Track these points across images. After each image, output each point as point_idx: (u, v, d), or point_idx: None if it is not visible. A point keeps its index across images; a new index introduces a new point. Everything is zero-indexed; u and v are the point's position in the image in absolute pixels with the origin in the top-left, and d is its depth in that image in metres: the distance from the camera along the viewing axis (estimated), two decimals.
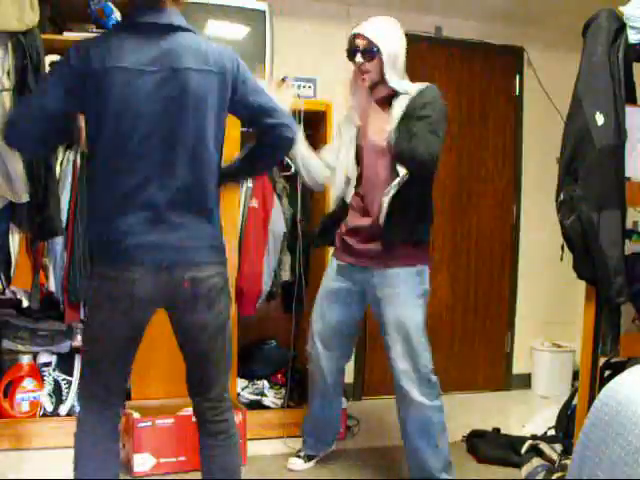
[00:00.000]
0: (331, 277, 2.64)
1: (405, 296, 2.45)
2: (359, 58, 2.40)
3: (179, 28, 1.76)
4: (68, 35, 2.94)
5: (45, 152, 2.28)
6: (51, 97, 1.71)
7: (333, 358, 2.67)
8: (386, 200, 2.38)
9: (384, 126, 2.39)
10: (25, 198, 2.54)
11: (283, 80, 2.95)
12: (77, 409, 2.88)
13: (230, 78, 1.80)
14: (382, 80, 2.41)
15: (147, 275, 1.72)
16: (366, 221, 2.48)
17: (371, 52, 2.38)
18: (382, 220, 2.40)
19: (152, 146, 1.72)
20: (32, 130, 1.73)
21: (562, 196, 2.42)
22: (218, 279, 1.82)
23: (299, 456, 2.83)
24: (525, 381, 4.18)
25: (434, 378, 2.45)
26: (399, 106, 2.39)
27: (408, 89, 2.41)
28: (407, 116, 2.35)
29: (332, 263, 2.66)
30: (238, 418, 2.75)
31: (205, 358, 1.88)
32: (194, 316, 1.81)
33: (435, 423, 2.45)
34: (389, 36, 2.40)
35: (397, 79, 2.41)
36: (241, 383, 3.23)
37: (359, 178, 2.54)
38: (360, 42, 2.40)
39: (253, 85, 1.87)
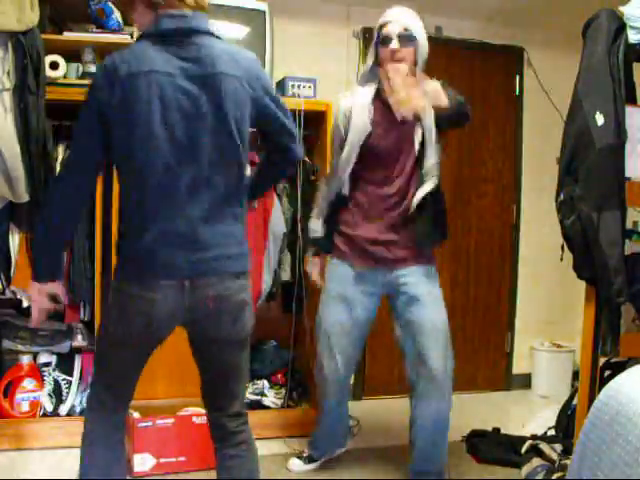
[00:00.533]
0: (342, 281, 2.54)
1: (435, 297, 2.47)
2: (394, 44, 2.33)
3: (206, 33, 1.70)
4: (68, 35, 2.94)
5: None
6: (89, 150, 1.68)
7: (348, 357, 2.60)
8: (417, 199, 2.40)
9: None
10: (25, 198, 2.54)
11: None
12: (77, 409, 2.92)
13: (258, 85, 1.75)
14: (411, 71, 2.35)
15: (171, 293, 1.67)
16: (388, 223, 2.45)
17: (409, 37, 2.34)
18: (414, 221, 2.41)
19: (185, 157, 1.66)
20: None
21: (562, 196, 2.42)
22: (244, 294, 1.78)
23: (300, 457, 2.82)
24: (525, 381, 4.18)
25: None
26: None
27: None
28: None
29: (338, 267, 2.55)
30: None
31: (227, 374, 1.83)
32: (218, 332, 1.77)
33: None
34: (420, 26, 2.39)
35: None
36: None
37: (366, 176, 2.49)
38: (395, 28, 2.34)
39: (276, 97, 1.83)
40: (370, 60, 2.48)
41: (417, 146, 2.41)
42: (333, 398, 2.69)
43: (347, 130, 2.47)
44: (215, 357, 1.81)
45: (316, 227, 2.63)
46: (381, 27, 2.39)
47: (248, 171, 1.89)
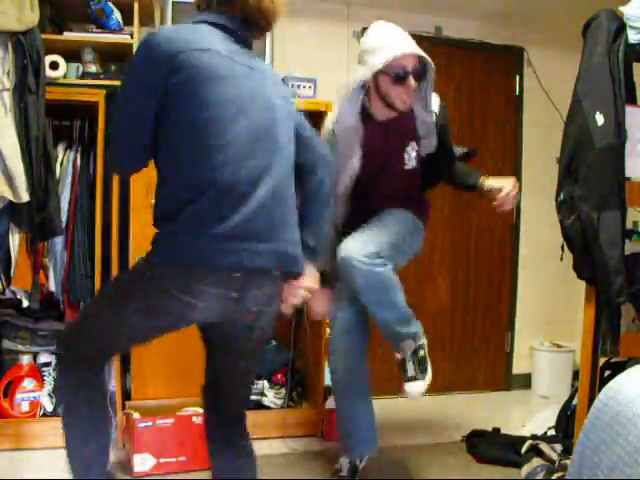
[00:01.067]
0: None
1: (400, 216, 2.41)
2: (412, 81, 2.21)
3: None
4: (68, 35, 2.94)
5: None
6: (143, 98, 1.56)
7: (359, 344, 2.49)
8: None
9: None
10: (25, 198, 2.54)
11: None
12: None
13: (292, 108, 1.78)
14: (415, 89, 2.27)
15: (212, 304, 1.61)
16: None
17: (422, 71, 2.23)
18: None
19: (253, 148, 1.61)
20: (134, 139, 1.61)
21: (562, 196, 2.42)
22: (278, 305, 1.76)
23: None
24: (525, 381, 4.18)
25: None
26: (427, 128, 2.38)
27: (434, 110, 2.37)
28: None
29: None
30: None
31: (240, 376, 1.81)
32: (243, 338, 1.73)
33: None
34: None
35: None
36: None
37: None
38: (410, 62, 2.20)
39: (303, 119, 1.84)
40: (361, 80, 2.29)
41: (411, 162, 2.42)
42: (362, 399, 2.53)
43: (337, 149, 2.34)
44: (230, 360, 1.77)
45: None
46: (394, 61, 2.18)
47: None
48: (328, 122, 2.48)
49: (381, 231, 2.29)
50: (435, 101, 2.39)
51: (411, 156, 2.42)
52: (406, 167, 2.42)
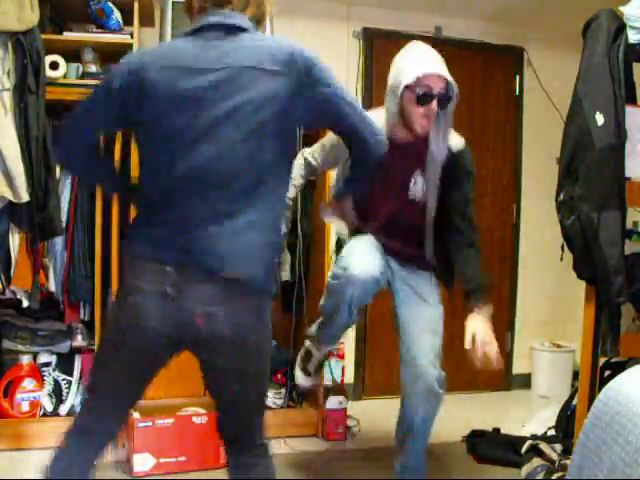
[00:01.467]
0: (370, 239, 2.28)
1: (433, 296, 2.34)
2: (434, 104, 2.09)
3: (243, 29, 1.61)
4: (68, 35, 2.94)
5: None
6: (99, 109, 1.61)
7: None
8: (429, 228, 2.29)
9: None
10: (25, 198, 2.54)
11: None
12: (77, 409, 2.91)
13: (301, 80, 1.62)
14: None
15: (152, 303, 1.56)
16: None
17: (448, 99, 2.11)
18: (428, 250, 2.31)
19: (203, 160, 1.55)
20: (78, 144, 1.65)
21: (562, 196, 2.42)
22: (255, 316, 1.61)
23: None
24: (525, 381, 4.18)
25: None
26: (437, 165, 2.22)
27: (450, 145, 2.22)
28: (446, 177, 2.22)
29: (360, 236, 2.30)
30: None
31: (238, 406, 1.68)
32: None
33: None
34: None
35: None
36: None
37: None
38: (438, 85, 2.09)
39: (332, 91, 1.66)
40: (393, 107, 2.16)
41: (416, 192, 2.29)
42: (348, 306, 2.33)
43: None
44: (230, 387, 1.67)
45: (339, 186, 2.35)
46: (420, 79, 2.08)
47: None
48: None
49: (434, 337, 2.28)
50: (460, 141, 2.27)
51: (417, 186, 2.26)
52: (409, 196, 2.27)
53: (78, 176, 1.82)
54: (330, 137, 2.36)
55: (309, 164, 2.44)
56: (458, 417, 3.44)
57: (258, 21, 1.71)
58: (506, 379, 4.20)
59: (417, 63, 2.12)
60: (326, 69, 1.70)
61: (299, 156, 2.44)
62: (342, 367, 3.46)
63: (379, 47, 3.76)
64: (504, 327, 4.18)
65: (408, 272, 2.35)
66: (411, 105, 2.13)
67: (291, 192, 2.39)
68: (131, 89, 1.56)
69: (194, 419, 2.73)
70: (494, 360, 2.20)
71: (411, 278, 2.34)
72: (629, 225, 2.48)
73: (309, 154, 2.45)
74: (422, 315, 2.30)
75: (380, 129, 1.69)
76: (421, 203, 2.28)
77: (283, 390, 3.26)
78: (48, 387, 2.96)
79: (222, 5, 1.62)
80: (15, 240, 2.72)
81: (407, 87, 2.10)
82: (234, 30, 1.61)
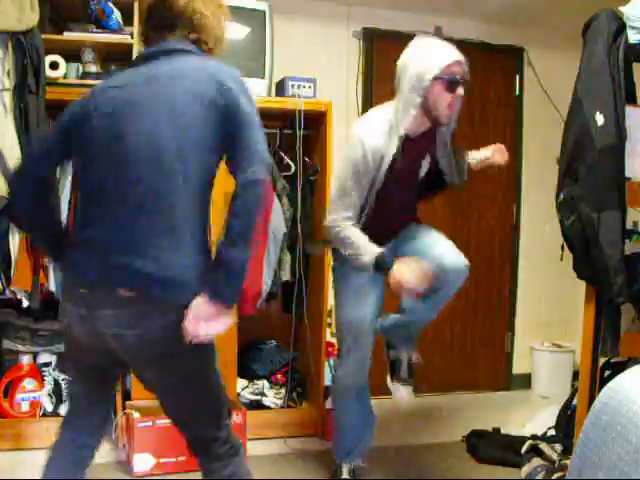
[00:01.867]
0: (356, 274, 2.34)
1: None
2: (461, 90, 2.21)
3: (178, 51, 1.63)
4: (68, 35, 2.94)
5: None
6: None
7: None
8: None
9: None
10: None
11: None
12: None
13: (220, 107, 1.55)
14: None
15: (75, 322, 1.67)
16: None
17: (465, 82, 2.24)
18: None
19: (110, 189, 1.59)
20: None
21: (562, 196, 2.42)
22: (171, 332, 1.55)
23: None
24: (525, 381, 4.18)
25: None
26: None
27: None
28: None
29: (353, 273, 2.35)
30: (238, 418, 2.76)
31: (180, 415, 1.81)
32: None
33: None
34: None
35: None
36: (241, 383, 3.23)
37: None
38: (460, 70, 2.20)
39: (244, 118, 1.55)
40: (415, 100, 2.17)
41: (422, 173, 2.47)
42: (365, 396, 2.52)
43: (375, 172, 2.24)
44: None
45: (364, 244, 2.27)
46: (448, 67, 2.17)
47: None
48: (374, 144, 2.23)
49: (448, 241, 2.47)
50: None
51: (423, 169, 2.45)
52: (419, 178, 2.46)
53: (21, 209, 1.78)
54: (344, 168, 2.28)
55: (352, 220, 2.30)
56: (458, 417, 3.44)
57: (208, 43, 1.70)
58: (506, 379, 4.20)
59: (439, 53, 2.19)
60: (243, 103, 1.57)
61: (338, 230, 2.29)
62: None
63: (379, 47, 3.76)
64: (504, 327, 4.19)
65: (405, 231, 2.46)
66: (439, 94, 2.19)
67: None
68: (77, 119, 1.70)
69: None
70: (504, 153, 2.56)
71: (408, 232, 2.46)
72: (629, 225, 2.48)
73: (342, 220, 2.28)
74: (431, 234, 2.44)
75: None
76: (421, 178, 2.47)
77: (283, 390, 3.26)
78: (48, 387, 2.96)
79: (163, 32, 1.68)
80: (15, 240, 2.72)
81: (435, 77, 2.14)
82: (169, 53, 1.65)
